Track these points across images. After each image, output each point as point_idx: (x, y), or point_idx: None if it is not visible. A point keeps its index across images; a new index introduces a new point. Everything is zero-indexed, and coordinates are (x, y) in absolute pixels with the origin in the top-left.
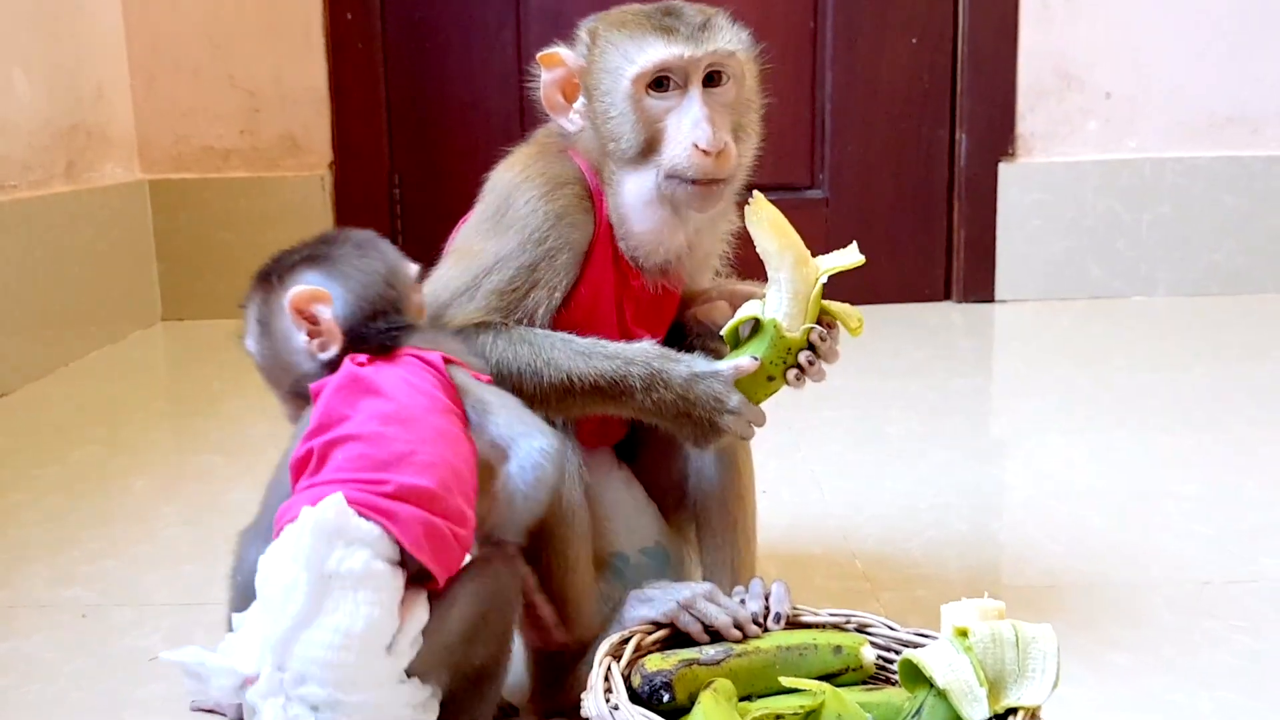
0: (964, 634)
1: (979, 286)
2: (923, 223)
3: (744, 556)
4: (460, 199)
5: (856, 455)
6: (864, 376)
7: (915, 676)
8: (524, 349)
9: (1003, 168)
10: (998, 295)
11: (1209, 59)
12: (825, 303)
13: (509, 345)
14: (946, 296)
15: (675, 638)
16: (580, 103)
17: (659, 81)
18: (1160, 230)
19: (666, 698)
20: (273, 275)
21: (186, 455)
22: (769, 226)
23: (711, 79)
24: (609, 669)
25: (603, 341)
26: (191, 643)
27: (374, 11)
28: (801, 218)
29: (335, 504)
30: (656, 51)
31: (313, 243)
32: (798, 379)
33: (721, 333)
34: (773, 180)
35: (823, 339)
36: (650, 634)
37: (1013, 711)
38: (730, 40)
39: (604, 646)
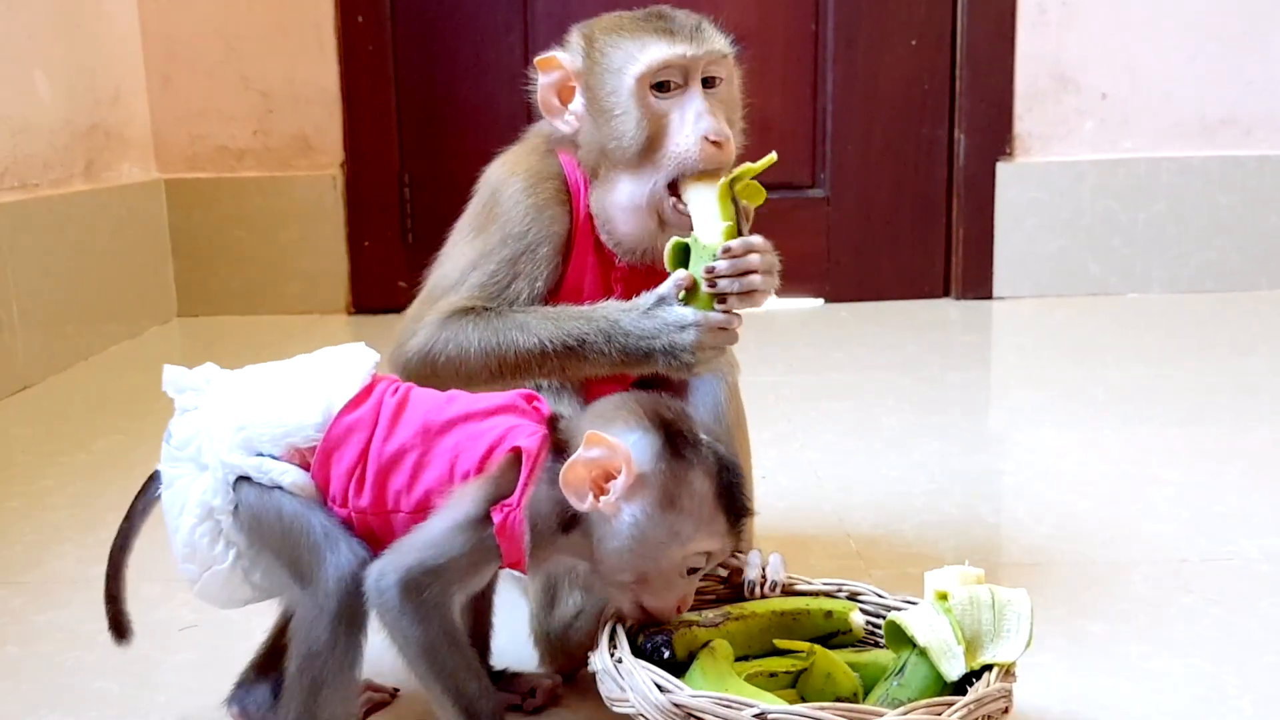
0: (944, 597)
1: (977, 283)
2: (922, 221)
3: None
4: (468, 198)
5: (852, 444)
6: (861, 370)
7: (899, 637)
8: (500, 322)
9: (1001, 167)
10: (996, 292)
11: (1201, 62)
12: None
13: (487, 324)
14: (945, 293)
15: None
16: (578, 104)
17: (661, 83)
18: (1155, 228)
19: (667, 654)
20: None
21: None
22: None
23: (708, 82)
24: (614, 628)
25: (572, 306)
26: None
27: (384, 14)
28: (803, 217)
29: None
30: (660, 51)
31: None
32: (711, 288)
33: (668, 267)
34: (775, 179)
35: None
36: None
37: (988, 668)
38: (722, 42)
39: (609, 608)
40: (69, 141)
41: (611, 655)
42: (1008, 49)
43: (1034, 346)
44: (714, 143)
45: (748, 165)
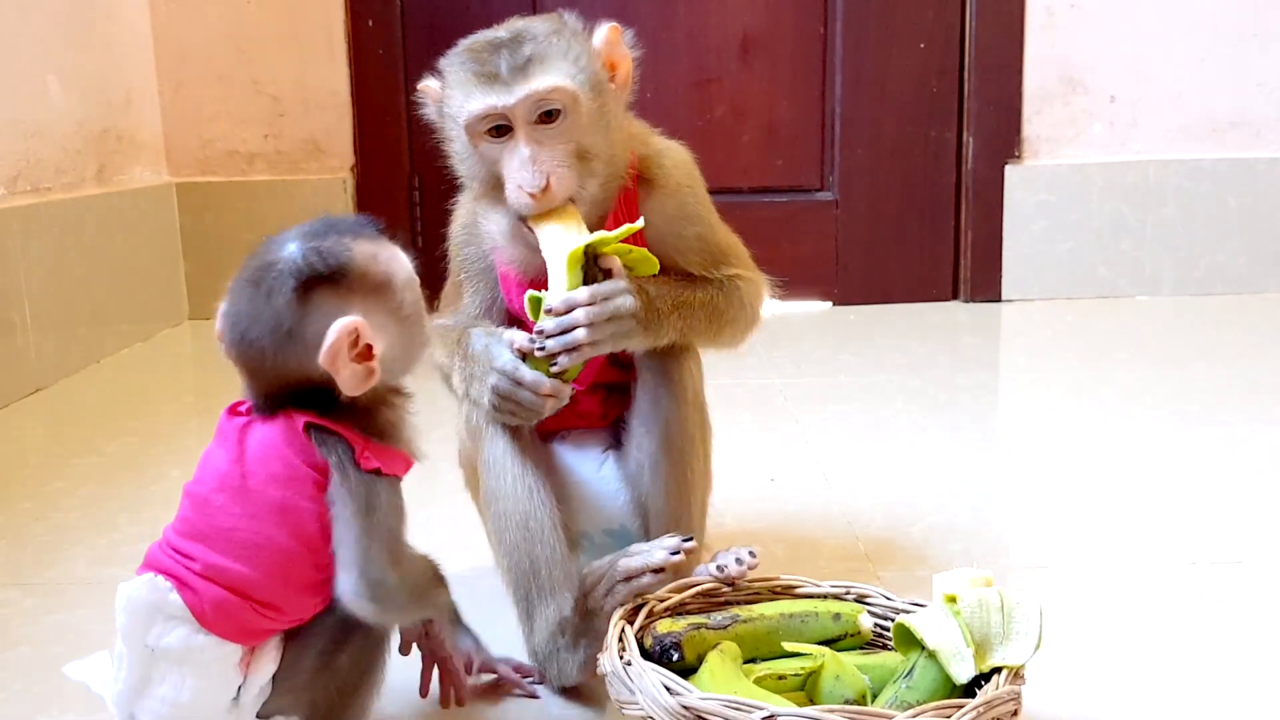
0: (953, 600)
1: (986, 286)
2: (931, 224)
3: (691, 512)
4: None
5: (861, 446)
6: (870, 373)
7: (908, 639)
8: (444, 337)
9: (1009, 170)
10: (1004, 295)
11: (1210, 64)
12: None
13: (442, 340)
14: (954, 296)
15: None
16: None
17: (494, 128)
18: (1164, 231)
19: (675, 657)
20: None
21: None
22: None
23: (548, 115)
24: (623, 630)
25: (474, 328)
26: None
27: (394, 18)
28: (812, 220)
29: (148, 583)
30: (478, 102)
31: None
32: (540, 350)
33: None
34: (784, 183)
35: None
36: (663, 601)
37: (997, 670)
38: (553, 75)
39: (618, 611)
40: (81, 145)
41: (620, 657)
42: (1016, 51)
43: (1043, 349)
44: (531, 195)
45: (604, 235)
